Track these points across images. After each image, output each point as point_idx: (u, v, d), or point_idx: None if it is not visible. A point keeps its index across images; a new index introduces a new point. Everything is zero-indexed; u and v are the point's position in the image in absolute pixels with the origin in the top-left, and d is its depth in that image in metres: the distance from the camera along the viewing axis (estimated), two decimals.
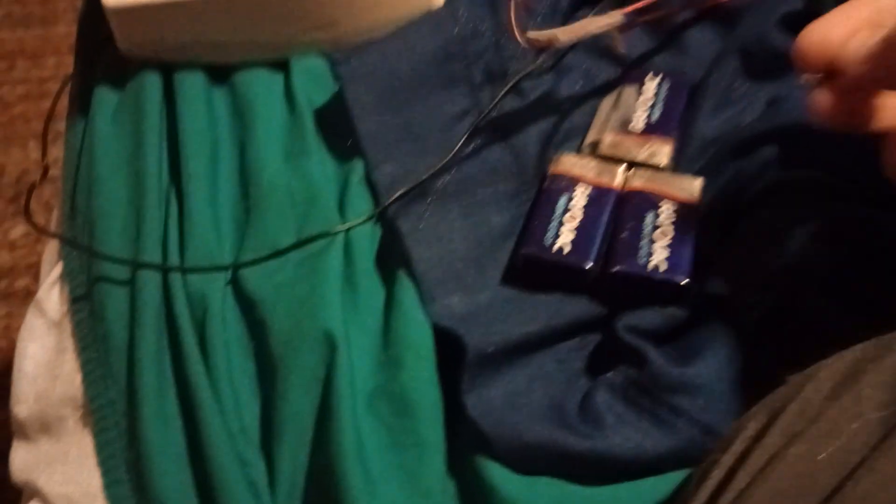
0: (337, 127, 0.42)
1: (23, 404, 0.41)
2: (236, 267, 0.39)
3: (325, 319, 0.35)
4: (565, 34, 0.38)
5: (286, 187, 0.40)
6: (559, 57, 0.43)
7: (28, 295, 1.18)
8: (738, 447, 0.29)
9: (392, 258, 0.38)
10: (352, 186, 0.40)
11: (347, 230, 0.39)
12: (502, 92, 0.42)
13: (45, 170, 0.43)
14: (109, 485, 0.36)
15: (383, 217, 0.39)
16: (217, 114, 0.43)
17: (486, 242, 0.38)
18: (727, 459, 0.30)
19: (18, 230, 1.22)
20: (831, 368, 0.29)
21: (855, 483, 0.26)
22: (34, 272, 1.20)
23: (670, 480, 0.32)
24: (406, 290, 0.37)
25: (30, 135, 1.34)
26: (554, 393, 0.34)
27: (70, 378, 0.40)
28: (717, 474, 0.29)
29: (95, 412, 0.38)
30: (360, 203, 0.40)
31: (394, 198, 0.39)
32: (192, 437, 0.35)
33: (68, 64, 1.59)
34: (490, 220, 0.39)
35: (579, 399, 0.34)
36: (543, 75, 0.43)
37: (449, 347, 0.35)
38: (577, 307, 0.35)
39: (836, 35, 0.29)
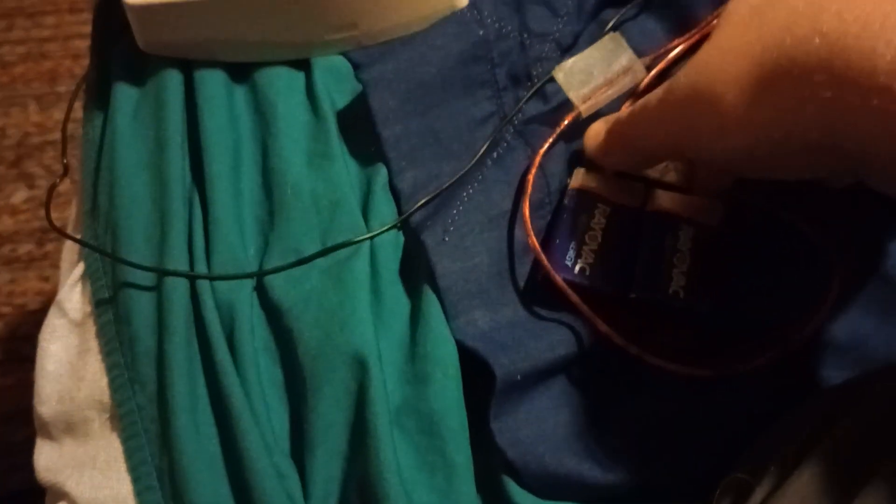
0: (360, 130, 0.41)
1: (46, 404, 0.41)
2: (262, 274, 0.39)
3: (355, 334, 0.35)
4: (588, 109, 0.40)
5: (310, 192, 0.40)
6: None
7: (31, 261, 1.18)
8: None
9: (416, 268, 0.39)
10: (376, 192, 0.40)
11: (372, 237, 0.39)
12: (526, 97, 0.41)
13: (66, 169, 0.42)
14: (141, 492, 0.37)
15: (406, 224, 0.39)
16: (238, 112, 0.43)
17: (509, 256, 0.38)
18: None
19: (20, 195, 1.22)
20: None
21: None
22: (37, 238, 1.20)
23: None
24: (431, 303, 0.37)
25: (30, 96, 1.32)
26: (576, 418, 0.35)
27: (95, 380, 0.40)
28: None
29: (123, 417, 0.38)
30: (384, 209, 0.40)
31: (416, 206, 0.39)
32: (227, 447, 0.36)
33: (68, 23, 1.56)
34: (513, 234, 0.39)
35: (600, 424, 0.35)
36: None
37: (471, 361, 0.36)
38: (598, 331, 0.36)
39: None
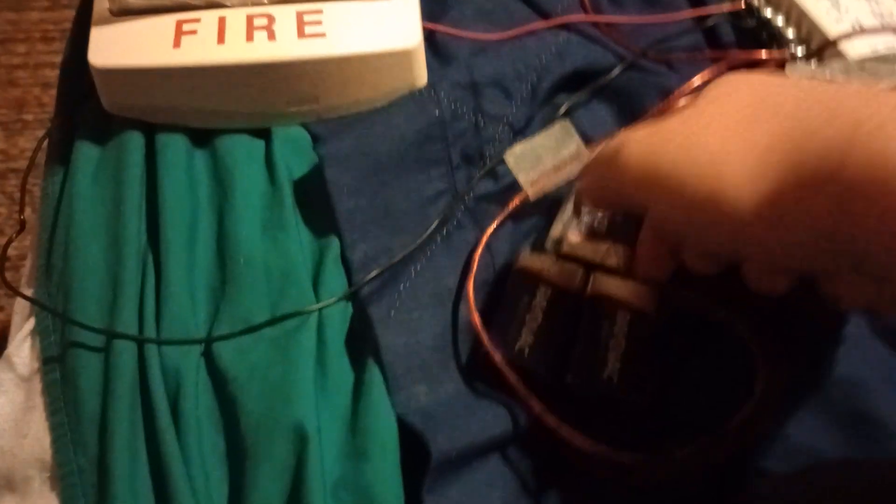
0: (315, 201, 0.43)
1: None
2: (210, 341, 0.39)
3: (298, 410, 0.36)
4: (535, 193, 0.41)
5: (263, 262, 0.41)
6: None
7: None
8: None
9: (362, 340, 0.40)
10: (327, 264, 0.41)
11: (321, 309, 0.40)
12: (478, 176, 0.43)
13: (22, 225, 0.43)
14: None
15: (355, 296, 0.40)
16: (197, 178, 0.44)
17: (453, 333, 0.39)
18: None
19: None
20: None
21: None
22: None
23: None
24: (374, 377, 0.38)
25: None
26: (509, 497, 0.36)
27: (38, 438, 0.40)
28: None
29: (63, 479, 0.38)
30: (334, 281, 0.41)
31: (365, 281, 0.40)
32: None
33: (39, 51, 1.55)
34: (457, 310, 0.40)
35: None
36: None
37: (410, 435, 0.37)
38: (532, 412, 0.37)
39: None
